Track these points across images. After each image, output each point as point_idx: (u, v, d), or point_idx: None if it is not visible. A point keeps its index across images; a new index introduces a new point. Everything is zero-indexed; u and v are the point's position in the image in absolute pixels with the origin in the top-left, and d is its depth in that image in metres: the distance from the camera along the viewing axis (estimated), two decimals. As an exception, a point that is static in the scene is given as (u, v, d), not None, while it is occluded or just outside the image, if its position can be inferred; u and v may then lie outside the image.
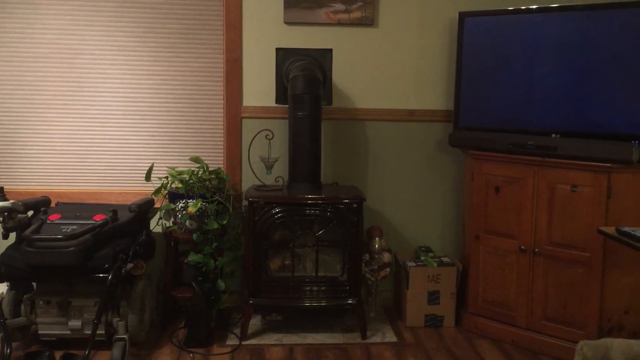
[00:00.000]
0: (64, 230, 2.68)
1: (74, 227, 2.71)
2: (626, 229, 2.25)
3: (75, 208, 3.02)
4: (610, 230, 2.35)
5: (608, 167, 2.66)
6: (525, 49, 3.03)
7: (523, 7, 3.06)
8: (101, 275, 2.68)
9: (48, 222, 2.79)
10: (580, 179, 2.75)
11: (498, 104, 3.14)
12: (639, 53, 2.71)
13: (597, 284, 2.74)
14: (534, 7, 3.03)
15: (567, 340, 2.83)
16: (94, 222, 2.76)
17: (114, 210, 2.87)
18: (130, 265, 2.77)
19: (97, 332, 2.66)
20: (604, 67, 2.81)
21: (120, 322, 2.74)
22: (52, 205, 3.10)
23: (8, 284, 2.88)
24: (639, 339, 2.71)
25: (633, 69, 2.73)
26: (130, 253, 2.83)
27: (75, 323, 2.78)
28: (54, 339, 2.83)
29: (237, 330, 3.10)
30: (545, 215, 2.87)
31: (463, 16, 3.23)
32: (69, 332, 2.80)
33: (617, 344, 2.36)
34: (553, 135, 2.93)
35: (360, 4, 3.35)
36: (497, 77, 3.14)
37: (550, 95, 2.97)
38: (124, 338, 2.72)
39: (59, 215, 2.85)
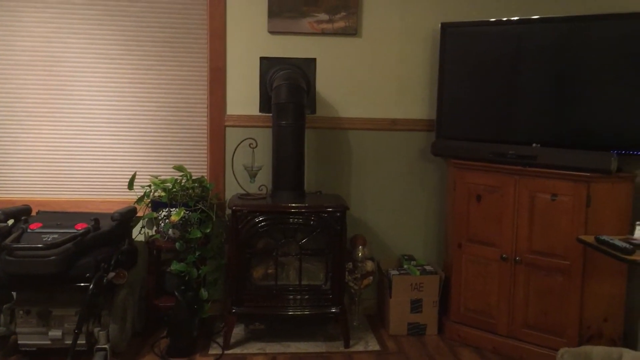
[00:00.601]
0: (44, 239, 2.65)
1: (55, 236, 2.69)
2: (605, 237, 2.28)
3: (56, 217, 2.99)
4: (590, 238, 2.38)
5: (587, 176, 2.70)
6: (507, 60, 3.07)
7: (504, 19, 3.11)
8: (82, 284, 2.65)
9: (29, 231, 2.76)
10: (560, 188, 2.78)
11: (480, 114, 3.18)
12: (617, 64, 2.77)
13: (577, 292, 2.77)
14: (515, 18, 3.08)
15: (548, 347, 2.86)
16: (75, 230, 2.74)
17: (95, 218, 2.85)
18: (112, 274, 2.75)
19: (78, 342, 2.63)
20: (583, 78, 2.86)
21: (101, 332, 2.72)
22: (33, 214, 3.07)
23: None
24: (618, 346, 2.75)
25: (611, 80, 2.79)
26: (112, 262, 2.80)
27: (55, 333, 2.75)
28: (34, 349, 2.80)
29: (220, 340, 3.09)
30: (526, 224, 2.90)
31: (445, 27, 3.27)
32: (49, 342, 2.76)
33: (597, 352, 2.39)
34: (534, 144, 2.98)
35: (344, 14, 3.38)
36: (478, 87, 3.18)
37: (531, 105, 3.01)
38: (105, 348, 2.70)
39: (40, 224, 2.82)
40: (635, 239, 2.26)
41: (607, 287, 2.77)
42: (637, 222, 2.33)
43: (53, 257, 2.56)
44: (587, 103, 2.86)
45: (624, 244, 2.16)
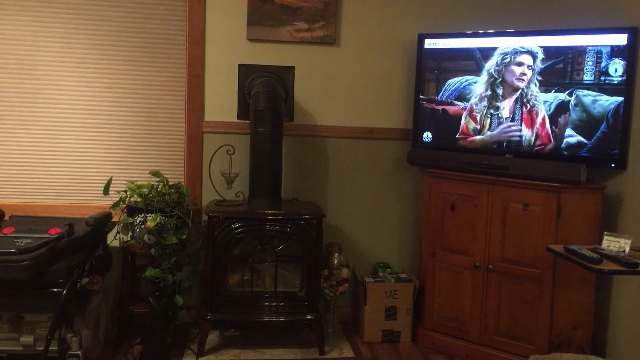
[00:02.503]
0: (17, 244, 2.62)
1: (29, 240, 2.66)
2: (573, 247, 2.33)
3: (30, 221, 2.96)
4: (559, 248, 2.43)
5: (558, 187, 2.76)
6: (481, 71, 3.13)
7: (480, 31, 3.17)
8: (55, 290, 2.63)
9: (1, 235, 2.73)
10: (532, 198, 2.84)
11: (455, 124, 3.24)
12: (588, 78, 2.84)
13: (547, 300, 2.82)
14: (491, 30, 3.14)
15: (519, 355, 2.90)
16: (49, 235, 2.72)
17: (70, 223, 2.83)
18: (85, 280, 2.73)
19: (50, 348, 2.61)
20: (555, 91, 2.93)
21: (74, 338, 2.70)
22: (6, 218, 3.03)
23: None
24: (586, 354, 2.81)
25: (582, 94, 2.86)
26: (86, 267, 2.78)
27: (27, 339, 2.71)
28: (4, 355, 2.76)
29: (194, 346, 3.08)
30: (498, 233, 2.95)
31: (422, 37, 3.32)
32: (20, 348, 2.73)
33: (566, 359, 2.44)
34: (506, 155, 3.03)
35: (323, 23, 3.41)
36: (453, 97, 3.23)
37: (505, 115, 3.07)
38: (78, 354, 2.68)
39: (13, 229, 2.79)
40: (602, 249, 2.31)
41: (577, 295, 2.83)
42: (605, 232, 2.39)
43: (26, 262, 2.53)
44: (560, 115, 2.93)
45: (592, 254, 2.21)
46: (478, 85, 3.14)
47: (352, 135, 3.54)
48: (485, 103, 3.12)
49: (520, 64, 3.01)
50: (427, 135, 3.33)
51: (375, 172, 3.59)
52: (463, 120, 3.20)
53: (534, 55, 2.97)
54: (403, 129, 3.55)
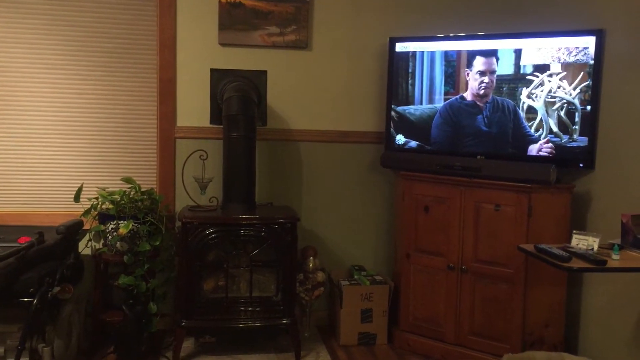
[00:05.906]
0: (-15, 254, 2.57)
1: (-3, 250, 2.61)
2: (544, 246, 2.36)
3: (-2, 230, 2.91)
4: (530, 247, 2.46)
5: (528, 187, 2.80)
6: (453, 73, 3.17)
7: (451, 34, 3.20)
8: (26, 299, 2.58)
9: (-31, 245, 2.68)
10: (503, 199, 2.88)
11: (427, 126, 3.27)
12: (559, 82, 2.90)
13: (520, 299, 2.86)
14: (462, 34, 3.18)
15: (493, 354, 2.93)
16: (18, 244, 2.66)
17: (40, 232, 2.77)
18: (56, 289, 2.68)
19: (21, 359, 2.56)
20: (524, 94, 2.98)
21: (45, 349, 2.64)
22: (-26, 227, 2.98)
23: None
24: (559, 351, 2.85)
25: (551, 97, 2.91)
26: (57, 276, 2.74)
27: (-3, 350, 2.66)
28: (-27, 368, 2.70)
29: (170, 354, 3.04)
30: (471, 234, 2.98)
31: (393, 41, 3.34)
32: (-10, 360, 2.68)
33: (539, 357, 2.47)
34: (478, 157, 3.07)
35: (295, 27, 3.42)
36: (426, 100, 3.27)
37: (476, 118, 3.11)
38: (50, 365, 2.63)
39: (-19, 238, 2.74)
40: (572, 247, 2.35)
41: (548, 294, 2.87)
42: (574, 231, 2.43)
43: (-6, 272, 2.49)
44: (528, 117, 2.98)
45: (561, 252, 2.24)
46: (449, 88, 3.17)
47: (326, 139, 3.55)
48: (455, 104, 3.15)
49: (491, 66, 3.05)
50: (400, 138, 3.36)
51: (350, 176, 3.60)
52: (434, 121, 3.23)
53: (504, 58, 3.02)
54: (377, 132, 3.57)
